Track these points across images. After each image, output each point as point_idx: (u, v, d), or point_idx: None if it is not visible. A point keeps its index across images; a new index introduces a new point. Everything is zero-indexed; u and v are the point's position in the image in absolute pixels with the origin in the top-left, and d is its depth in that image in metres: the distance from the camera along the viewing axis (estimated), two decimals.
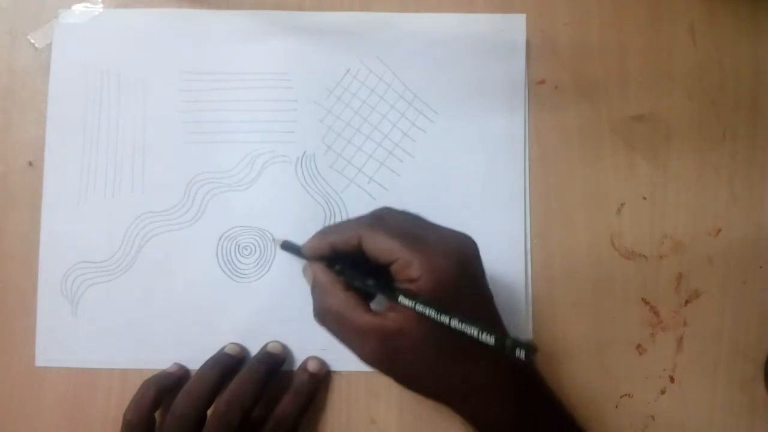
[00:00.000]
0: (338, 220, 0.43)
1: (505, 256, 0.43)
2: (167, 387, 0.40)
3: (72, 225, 0.43)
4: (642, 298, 0.43)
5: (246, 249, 0.43)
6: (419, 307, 0.32)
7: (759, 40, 0.45)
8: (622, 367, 0.43)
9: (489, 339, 0.30)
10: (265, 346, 0.42)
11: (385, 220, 0.36)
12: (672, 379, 0.43)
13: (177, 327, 0.42)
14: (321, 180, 0.43)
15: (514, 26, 0.44)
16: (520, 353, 0.29)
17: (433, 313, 0.31)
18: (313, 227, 0.42)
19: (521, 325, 0.42)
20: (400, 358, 0.33)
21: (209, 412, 0.38)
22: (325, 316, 0.35)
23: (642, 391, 0.43)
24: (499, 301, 0.42)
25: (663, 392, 0.43)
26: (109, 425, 0.42)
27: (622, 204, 0.44)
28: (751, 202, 0.44)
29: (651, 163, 0.44)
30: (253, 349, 0.42)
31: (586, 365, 0.43)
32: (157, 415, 0.40)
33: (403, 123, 0.44)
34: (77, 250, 0.43)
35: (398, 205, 0.43)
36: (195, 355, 0.41)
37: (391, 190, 0.43)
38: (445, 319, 0.31)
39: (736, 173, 0.44)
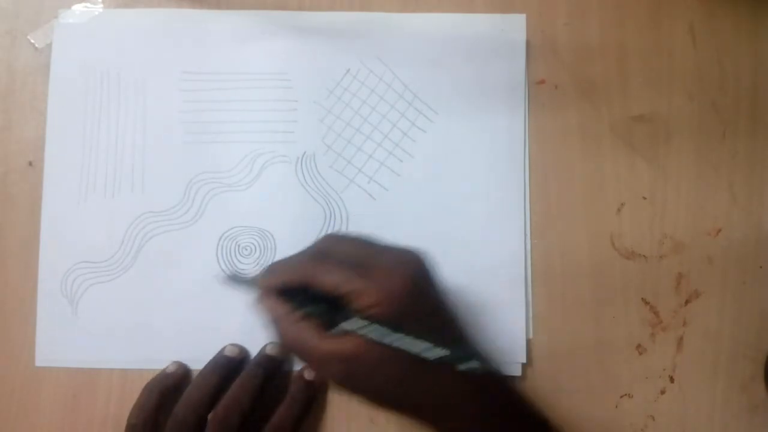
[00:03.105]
0: (338, 220, 0.43)
1: (505, 256, 0.43)
2: (169, 388, 0.40)
3: (72, 225, 0.43)
4: (642, 298, 0.43)
5: (246, 249, 0.43)
6: (362, 331, 0.32)
7: (759, 40, 0.45)
8: (622, 367, 0.43)
9: (431, 354, 0.31)
10: (264, 348, 0.42)
11: (331, 251, 0.35)
12: (672, 379, 0.43)
13: (177, 327, 0.42)
14: (321, 180, 0.43)
15: (514, 26, 0.44)
16: (466, 365, 0.30)
17: (376, 335, 0.32)
18: (313, 227, 0.43)
19: (521, 324, 0.42)
20: (364, 378, 0.33)
21: (210, 416, 0.38)
22: (286, 347, 0.36)
23: (642, 391, 0.43)
24: (500, 301, 0.42)
25: (663, 392, 0.43)
26: (109, 425, 0.42)
27: (622, 204, 0.44)
28: (751, 202, 0.44)
29: (651, 163, 0.44)
30: (253, 350, 0.42)
31: (586, 365, 0.43)
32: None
33: (403, 123, 0.44)
34: (77, 250, 0.43)
35: (398, 205, 0.43)
36: (195, 355, 0.42)
37: (391, 190, 0.43)
38: (394, 337, 0.31)
39: (736, 173, 0.44)
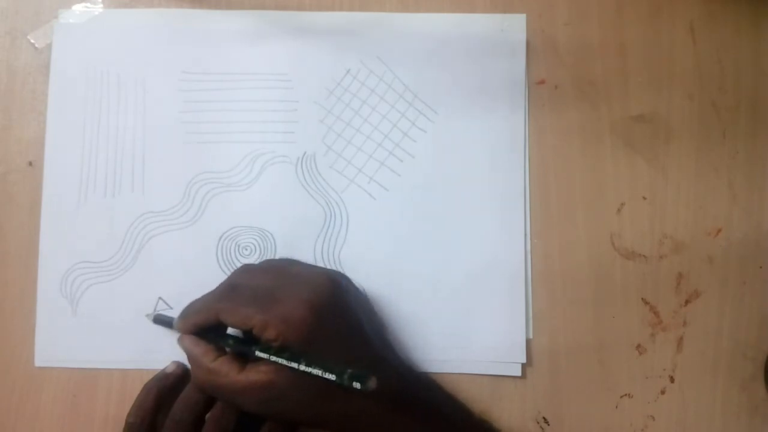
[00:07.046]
0: (338, 220, 0.43)
1: (505, 256, 0.43)
2: (167, 388, 0.40)
3: (72, 225, 0.43)
4: (642, 298, 0.43)
5: (246, 249, 0.43)
6: (273, 358, 0.34)
7: (759, 40, 0.45)
8: (622, 367, 0.43)
9: (330, 376, 0.32)
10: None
11: (238, 287, 0.38)
12: (672, 379, 0.43)
13: None
14: (321, 180, 0.43)
15: (514, 26, 0.44)
16: (356, 384, 0.31)
17: (284, 361, 0.34)
18: (314, 227, 0.43)
19: (521, 324, 0.42)
20: (280, 404, 0.35)
21: (207, 416, 0.38)
22: (202, 386, 0.37)
23: (642, 391, 0.43)
24: (500, 301, 0.42)
25: (663, 392, 0.43)
26: (109, 425, 0.42)
27: (622, 204, 0.44)
28: (751, 202, 0.44)
29: (651, 163, 0.44)
30: None
31: (586, 365, 0.43)
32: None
33: (404, 123, 0.44)
34: (77, 250, 0.42)
35: (398, 205, 0.43)
36: None
37: (391, 190, 0.43)
38: (294, 364, 0.33)
39: (736, 173, 0.44)
